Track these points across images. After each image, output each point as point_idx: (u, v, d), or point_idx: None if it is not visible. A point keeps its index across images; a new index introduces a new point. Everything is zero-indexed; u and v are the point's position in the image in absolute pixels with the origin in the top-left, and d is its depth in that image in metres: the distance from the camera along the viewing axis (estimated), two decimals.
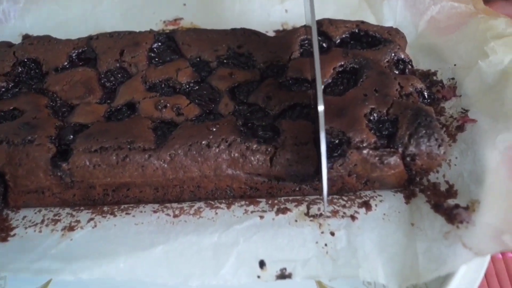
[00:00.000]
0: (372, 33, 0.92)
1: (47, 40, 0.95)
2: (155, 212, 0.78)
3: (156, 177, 0.77)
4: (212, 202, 0.80)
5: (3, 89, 0.88)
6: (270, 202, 0.79)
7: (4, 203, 0.80)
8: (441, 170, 0.80)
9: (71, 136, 0.79)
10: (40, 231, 0.77)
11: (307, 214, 0.76)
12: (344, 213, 0.75)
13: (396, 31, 0.93)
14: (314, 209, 0.76)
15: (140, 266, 0.69)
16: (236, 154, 0.76)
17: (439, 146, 0.75)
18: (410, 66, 0.88)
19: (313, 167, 0.75)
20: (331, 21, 0.94)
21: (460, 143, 0.81)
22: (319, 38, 0.91)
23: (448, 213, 0.71)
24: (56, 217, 0.79)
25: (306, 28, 0.93)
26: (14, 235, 0.77)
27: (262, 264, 0.68)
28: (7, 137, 0.77)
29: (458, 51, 0.93)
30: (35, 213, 0.81)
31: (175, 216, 0.77)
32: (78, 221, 0.78)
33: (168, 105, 0.82)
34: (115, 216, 0.79)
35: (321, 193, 0.74)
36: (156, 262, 0.70)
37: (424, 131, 0.75)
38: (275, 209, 0.77)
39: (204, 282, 0.66)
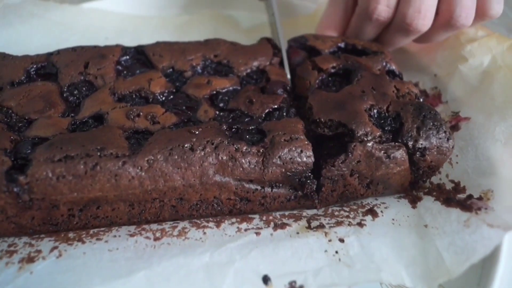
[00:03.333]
0: (359, 46, 0.85)
1: (1, 56, 0.81)
2: (131, 236, 0.65)
3: (132, 188, 0.63)
4: (198, 221, 0.67)
5: None
6: (264, 218, 0.67)
7: None
8: (443, 170, 0.73)
9: (30, 149, 0.64)
10: None
11: (308, 227, 0.64)
12: (350, 222, 0.65)
13: (382, 46, 0.87)
14: (315, 223, 0.65)
15: None
16: (225, 157, 0.64)
17: (448, 139, 0.67)
18: (399, 79, 0.81)
19: (309, 161, 0.64)
20: (316, 36, 0.87)
21: (458, 141, 0.76)
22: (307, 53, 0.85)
23: (462, 204, 0.64)
24: (11, 248, 0.64)
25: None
26: None
27: (266, 279, 0.56)
28: None
29: (436, 61, 0.91)
30: None
31: (156, 239, 0.64)
32: (38, 251, 0.63)
33: (141, 113, 0.70)
34: (83, 243, 0.64)
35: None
36: (136, 286, 0.56)
37: (431, 123, 0.67)
38: (271, 225, 0.65)
39: None
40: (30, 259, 0.61)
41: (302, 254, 0.59)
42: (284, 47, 0.84)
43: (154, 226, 0.67)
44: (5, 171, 0.61)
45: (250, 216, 0.68)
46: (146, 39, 0.88)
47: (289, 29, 0.95)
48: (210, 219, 0.68)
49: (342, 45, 0.86)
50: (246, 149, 0.64)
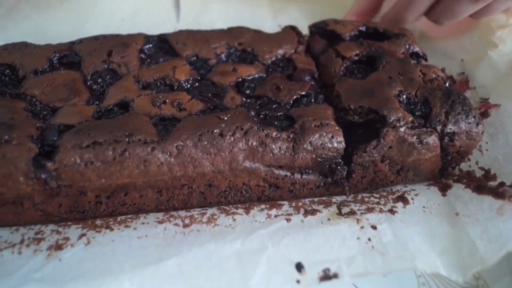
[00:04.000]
0: (381, 29, 0.83)
1: (23, 45, 0.80)
2: (160, 223, 0.64)
3: (161, 174, 0.62)
4: (227, 208, 0.66)
5: None
6: (294, 204, 0.66)
7: None
8: (473, 158, 0.72)
9: (56, 136, 0.63)
10: (19, 253, 0.61)
11: (339, 214, 0.63)
12: (381, 208, 0.64)
13: (404, 28, 0.85)
14: (346, 209, 0.64)
15: (149, 283, 0.54)
16: (255, 143, 0.62)
17: (477, 124, 0.66)
18: (424, 61, 0.79)
19: (340, 146, 0.64)
20: (336, 21, 0.85)
21: (488, 128, 0.74)
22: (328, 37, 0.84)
23: (494, 191, 0.63)
24: (39, 236, 0.63)
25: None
26: None
27: (299, 267, 0.55)
28: None
29: (464, 46, 0.88)
30: (11, 232, 0.64)
31: (185, 226, 0.63)
32: (66, 239, 0.62)
33: (167, 100, 0.69)
34: (111, 230, 0.63)
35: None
36: (168, 278, 0.55)
37: (460, 108, 0.66)
38: (301, 211, 0.64)
39: None
40: (58, 247, 0.60)
41: (334, 242, 0.58)
42: None
43: (183, 213, 0.65)
44: (33, 157, 0.60)
45: (279, 202, 0.67)
46: (162, 18, 0.86)
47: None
48: (239, 205, 0.66)
49: (363, 28, 0.84)
50: (276, 134, 0.63)
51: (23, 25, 0.99)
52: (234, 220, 0.63)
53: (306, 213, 0.63)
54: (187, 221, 0.64)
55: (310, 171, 0.65)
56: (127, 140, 0.61)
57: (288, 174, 0.65)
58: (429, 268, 0.55)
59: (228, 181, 0.64)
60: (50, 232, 0.63)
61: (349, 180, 0.66)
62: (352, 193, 0.67)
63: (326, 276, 0.54)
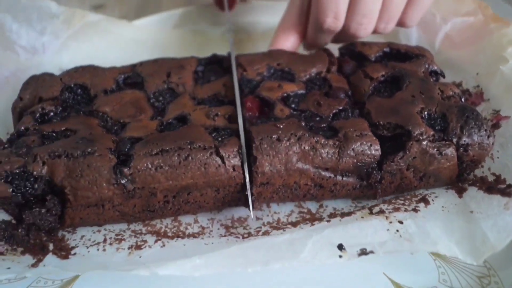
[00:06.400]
0: (403, 50, 0.92)
1: (92, 68, 0.91)
2: (223, 236, 0.74)
3: (218, 175, 0.72)
4: (278, 226, 0.76)
5: (52, 113, 0.83)
6: (329, 214, 0.78)
7: (60, 222, 0.74)
8: (486, 164, 0.80)
9: (128, 147, 0.74)
10: (104, 250, 0.72)
11: (371, 213, 0.73)
12: (406, 208, 0.73)
13: (423, 48, 0.94)
14: (376, 209, 0.74)
15: (216, 260, 0.64)
16: (307, 147, 0.73)
17: (488, 136, 0.75)
18: (442, 78, 0.88)
19: (377, 154, 0.74)
20: (363, 43, 0.94)
21: (498, 138, 0.81)
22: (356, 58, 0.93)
23: (502, 191, 0.72)
24: (119, 237, 0.74)
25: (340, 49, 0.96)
26: (75, 254, 0.71)
27: (340, 247, 0.65)
28: (65, 151, 0.71)
29: (478, 61, 0.94)
30: (94, 232, 0.76)
31: (244, 238, 0.73)
32: (144, 241, 0.73)
33: (219, 113, 0.79)
34: (182, 238, 0.74)
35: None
36: (232, 255, 0.65)
37: (473, 123, 0.74)
38: (338, 214, 0.76)
39: (284, 264, 0.63)
40: (138, 247, 0.71)
41: (368, 231, 0.68)
42: (234, 62, 0.89)
43: (241, 230, 0.75)
44: (113, 166, 0.71)
45: (316, 216, 0.78)
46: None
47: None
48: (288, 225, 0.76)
49: (387, 50, 0.93)
50: (324, 141, 0.73)
51: (85, 48, 1.09)
52: (284, 230, 0.73)
53: (343, 215, 0.74)
54: (245, 235, 0.73)
55: (350, 174, 0.75)
56: (189, 147, 0.72)
57: (332, 175, 0.74)
58: (449, 252, 0.64)
59: (283, 179, 0.74)
60: (129, 236, 0.74)
61: (380, 185, 0.76)
62: (381, 196, 0.77)
63: (363, 252, 0.64)
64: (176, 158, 0.72)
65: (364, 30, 0.92)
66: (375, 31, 0.94)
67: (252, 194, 0.74)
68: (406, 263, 0.70)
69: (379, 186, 0.75)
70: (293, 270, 0.69)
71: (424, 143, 0.73)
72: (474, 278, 0.68)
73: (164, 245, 0.71)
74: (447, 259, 0.70)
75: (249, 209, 0.74)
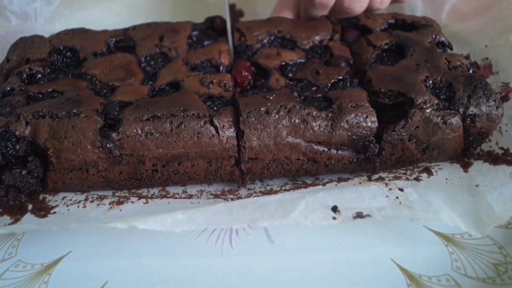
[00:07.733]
0: (409, 21, 0.88)
1: (82, 30, 0.87)
2: (211, 199, 0.71)
3: (211, 146, 0.68)
4: (270, 192, 0.71)
5: (39, 75, 0.79)
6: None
7: (42, 186, 0.70)
8: (493, 139, 0.76)
9: (117, 111, 0.70)
10: (84, 207, 0.68)
11: (369, 179, 0.69)
12: (407, 177, 0.69)
13: (430, 19, 0.89)
14: (375, 176, 0.70)
15: (199, 216, 0.61)
16: (297, 120, 0.68)
17: (497, 107, 0.70)
18: (450, 49, 0.84)
19: (373, 126, 0.69)
20: (367, 15, 0.89)
21: (507, 111, 0.77)
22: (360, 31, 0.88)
23: (507, 160, 0.70)
24: (102, 196, 0.71)
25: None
26: (55, 213, 0.67)
27: (335, 209, 0.61)
28: (50, 111, 0.68)
29: (486, 32, 0.91)
30: (76, 194, 0.72)
31: (232, 200, 0.68)
32: (127, 198, 0.70)
33: (214, 81, 0.75)
34: (167, 198, 0.70)
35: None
36: (216, 212, 0.62)
37: (482, 92, 0.70)
38: (335, 178, 0.72)
39: (273, 223, 0.59)
40: (119, 202, 0.68)
41: (365, 196, 0.63)
42: (229, 25, 0.87)
43: (230, 196, 0.71)
44: (99, 128, 0.67)
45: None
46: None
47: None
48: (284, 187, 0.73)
49: (392, 21, 0.89)
50: (316, 113, 0.68)
51: (79, 15, 1.05)
52: (276, 194, 0.68)
53: (340, 180, 0.70)
54: (234, 199, 0.69)
55: (345, 148, 0.70)
56: (182, 114, 0.68)
57: (326, 149, 0.70)
58: (451, 222, 0.59)
59: (272, 154, 0.69)
60: (112, 195, 0.71)
61: (379, 157, 0.71)
62: (381, 169, 0.72)
63: (359, 215, 0.59)
64: (168, 125, 0.67)
65: (359, 3, 0.87)
66: (371, 7, 0.90)
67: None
68: (415, 248, 0.64)
69: (377, 160, 0.70)
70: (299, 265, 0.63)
71: (428, 111, 0.68)
72: (490, 265, 0.61)
73: (147, 202, 0.68)
74: (461, 244, 0.63)
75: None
